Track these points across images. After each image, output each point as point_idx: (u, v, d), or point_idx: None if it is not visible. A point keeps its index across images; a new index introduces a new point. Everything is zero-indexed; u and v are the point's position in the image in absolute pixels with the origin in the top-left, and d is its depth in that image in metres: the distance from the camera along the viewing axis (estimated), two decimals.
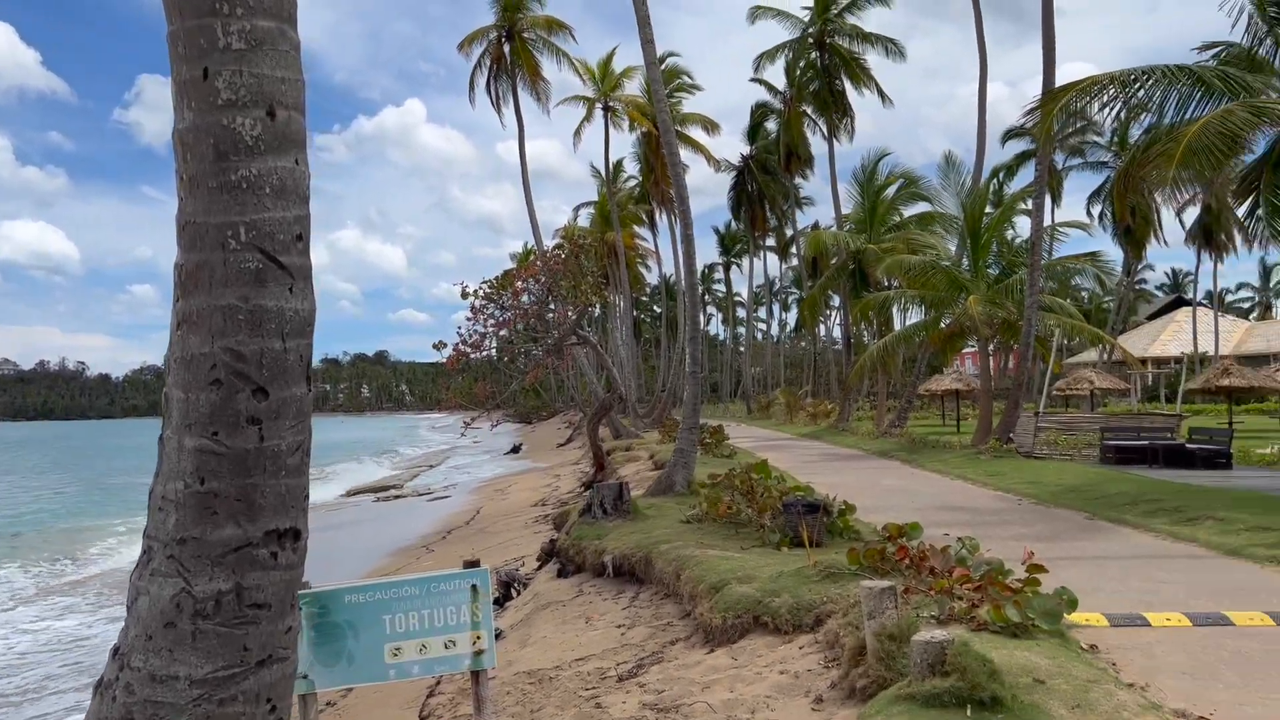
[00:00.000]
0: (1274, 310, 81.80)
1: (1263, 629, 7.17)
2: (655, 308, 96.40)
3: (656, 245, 67.16)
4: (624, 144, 76.35)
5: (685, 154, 50.03)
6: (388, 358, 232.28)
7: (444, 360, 18.53)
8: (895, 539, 9.02)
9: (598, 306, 66.72)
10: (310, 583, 5.86)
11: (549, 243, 37.17)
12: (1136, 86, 14.71)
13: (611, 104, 47.21)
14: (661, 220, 59.83)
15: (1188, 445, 20.88)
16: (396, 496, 35.89)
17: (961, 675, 5.15)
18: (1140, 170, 14.99)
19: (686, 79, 50.50)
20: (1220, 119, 13.14)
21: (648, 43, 16.22)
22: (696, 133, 50.96)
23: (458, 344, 18.17)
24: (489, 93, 42.17)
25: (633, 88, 46.87)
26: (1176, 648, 6.72)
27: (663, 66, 47.47)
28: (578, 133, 48.73)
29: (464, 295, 18.38)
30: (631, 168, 59.84)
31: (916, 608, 6.93)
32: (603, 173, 51.98)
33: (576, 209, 75.83)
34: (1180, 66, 14.64)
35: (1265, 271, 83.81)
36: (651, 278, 79.59)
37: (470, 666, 6.21)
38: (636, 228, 65.87)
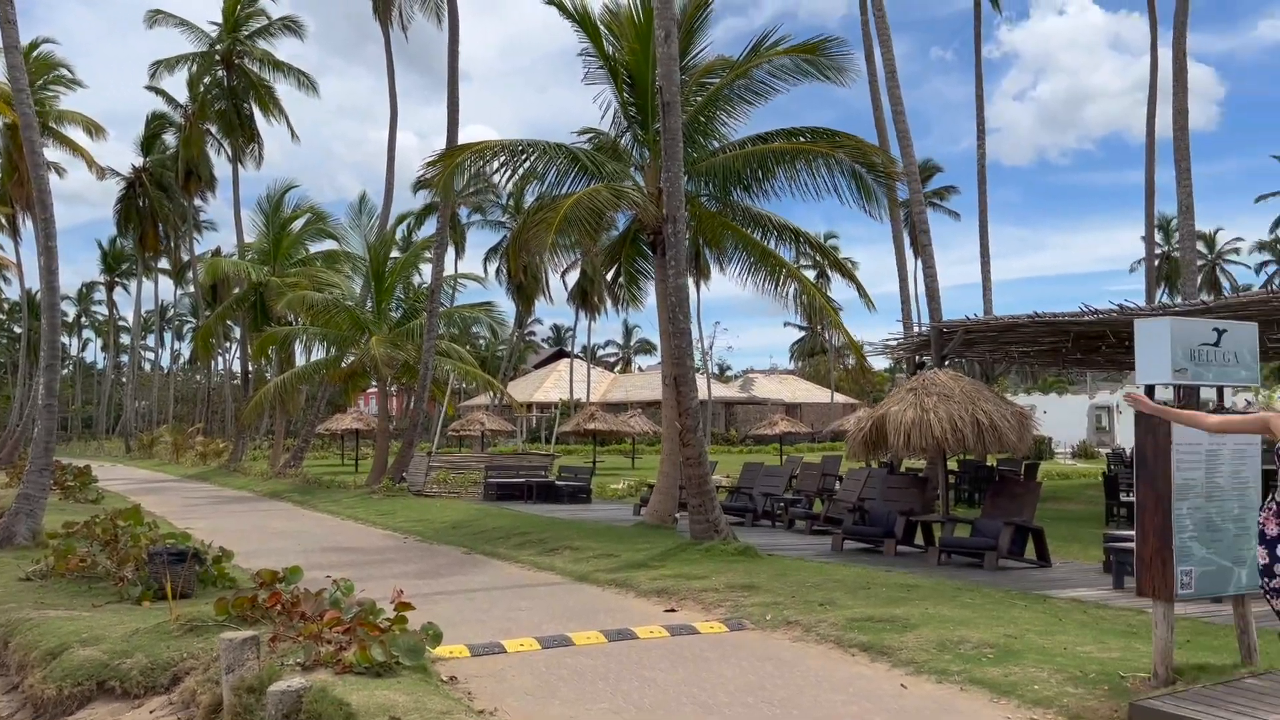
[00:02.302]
0: (633, 364, 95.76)
1: (598, 646, 8.13)
2: (15, 327, 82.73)
3: (18, 254, 57.18)
4: None
5: (63, 156, 43.99)
6: None
7: None
8: (269, 585, 8.64)
9: None
10: None
11: None
12: (524, 156, 16.24)
13: None
14: (26, 226, 51.61)
15: (557, 482, 23.32)
16: None
17: None
18: (525, 234, 16.51)
19: (66, 72, 44.44)
20: (589, 196, 15.01)
21: (9, 23, 13.95)
22: (77, 134, 44.97)
23: None
24: None
25: None
26: (526, 671, 7.31)
27: (36, 53, 41.37)
28: None
29: None
30: None
31: (283, 656, 6.67)
32: None
33: None
34: (559, 145, 16.48)
35: (628, 331, 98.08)
36: (11, 292, 68.23)
37: None
38: None
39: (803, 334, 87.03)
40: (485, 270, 64.06)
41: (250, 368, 43.85)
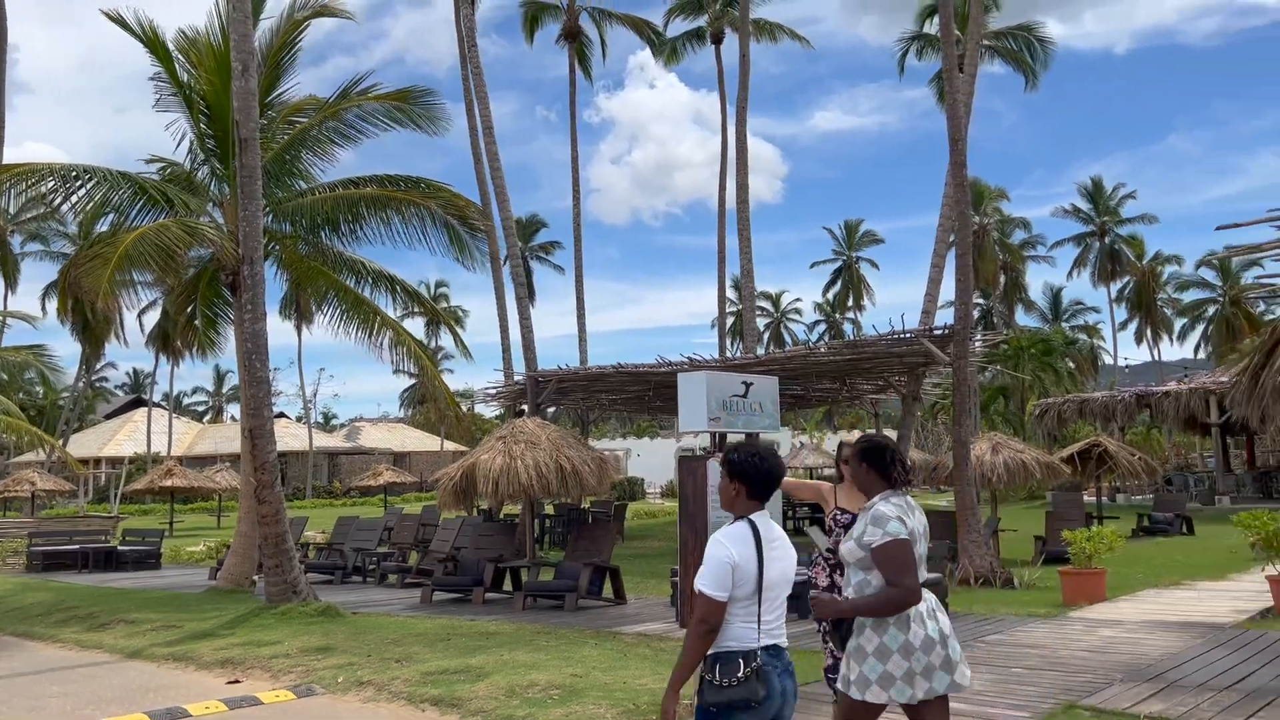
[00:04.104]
0: (225, 414, 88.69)
1: None
2: None
3: None
4: None
5: None
6: None
7: None
8: None
9: None
10: None
11: None
12: (79, 183, 14.50)
13: None
14: None
15: (120, 547, 20.87)
16: None
17: None
18: (78, 268, 14.72)
19: None
20: (157, 232, 13.67)
21: None
22: None
23: None
24: None
25: None
26: None
27: None
28: None
29: None
30: None
31: None
32: None
33: None
34: (124, 173, 14.90)
35: (220, 377, 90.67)
36: None
37: None
38: None
39: (414, 381, 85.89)
40: (44, 308, 56.37)
41: None
